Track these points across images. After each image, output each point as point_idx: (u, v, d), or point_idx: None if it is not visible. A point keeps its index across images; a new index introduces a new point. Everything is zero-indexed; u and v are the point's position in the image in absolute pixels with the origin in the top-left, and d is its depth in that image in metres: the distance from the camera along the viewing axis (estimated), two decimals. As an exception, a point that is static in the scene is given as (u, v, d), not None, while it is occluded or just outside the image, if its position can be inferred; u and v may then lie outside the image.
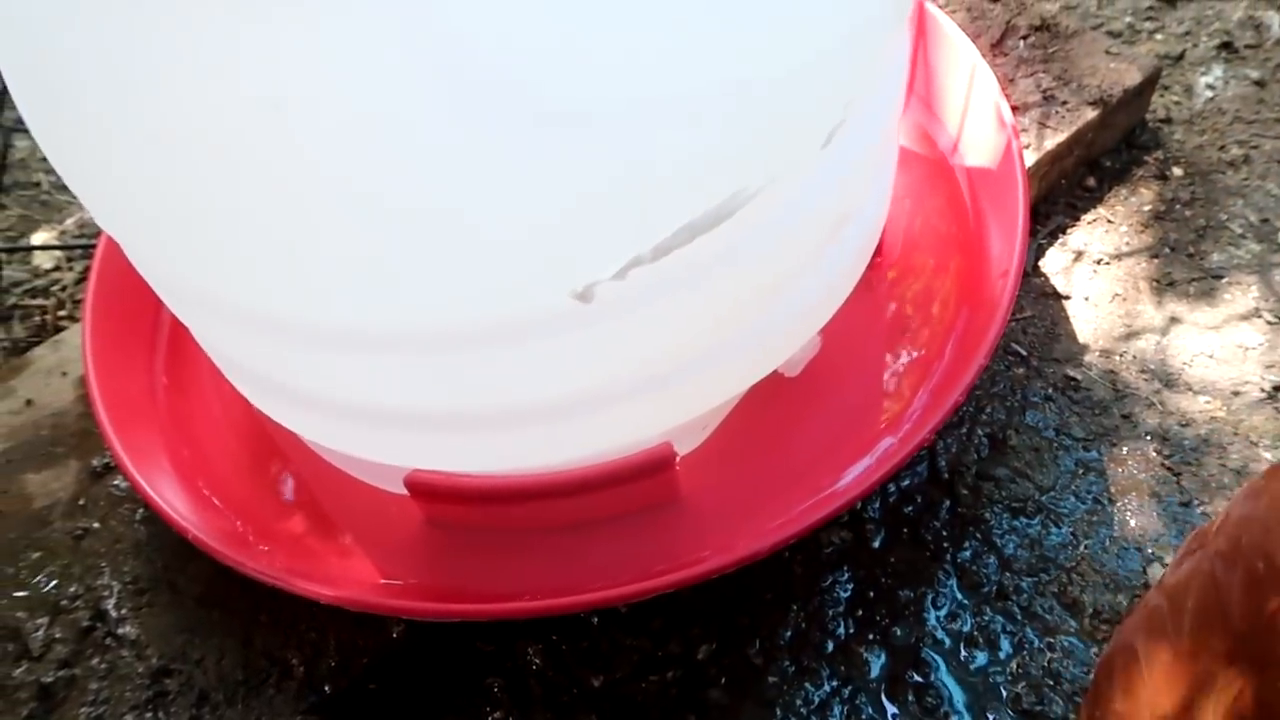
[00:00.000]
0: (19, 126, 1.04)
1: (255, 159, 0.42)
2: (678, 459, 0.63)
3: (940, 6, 0.95)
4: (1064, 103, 0.90)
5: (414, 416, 0.58)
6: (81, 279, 0.98)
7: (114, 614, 0.67)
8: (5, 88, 0.48)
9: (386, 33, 0.38)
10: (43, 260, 1.00)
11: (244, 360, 0.61)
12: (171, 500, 0.64)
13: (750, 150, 0.46)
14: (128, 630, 0.66)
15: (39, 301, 0.96)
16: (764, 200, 0.48)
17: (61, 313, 0.95)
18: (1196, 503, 0.73)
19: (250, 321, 0.53)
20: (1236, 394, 0.78)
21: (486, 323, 0.49)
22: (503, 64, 0.39)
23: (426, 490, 0.63)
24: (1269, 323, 0.82)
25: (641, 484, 0.63)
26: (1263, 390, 0.78)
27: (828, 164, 0.52)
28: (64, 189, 1.08)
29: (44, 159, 1.12)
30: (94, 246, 0.98)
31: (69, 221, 1.04)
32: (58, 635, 0.66)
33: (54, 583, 0.68)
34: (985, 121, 0.78)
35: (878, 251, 0.73)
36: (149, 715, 0.63)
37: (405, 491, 0.64)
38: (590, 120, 0.41)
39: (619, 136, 0.42)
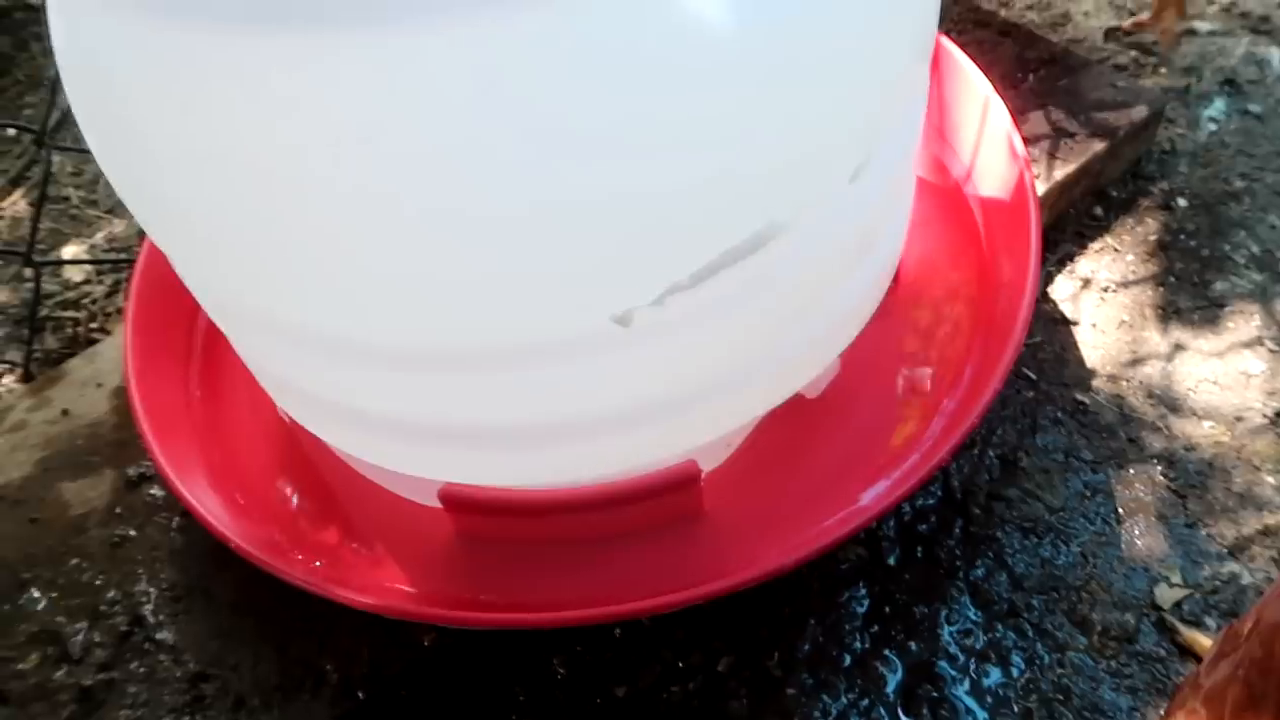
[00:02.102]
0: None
1: (309, 186, 0.44)
2: (702, 476, 0.66)
3: (954, 40, 0.98)
4: (1073, 134, 0.93)
5: (451, 433, 0.60)
6: (112, 292, 1.00)
7: (151, 619, 0.69)
8: (51, 102, 0.50)
9: (441, 73, 0.40)
10: (73, 273, 1.02)
11: (284, 374, 0.63)
12: (213, 510, 0.66)
13: (783, 185, 0.49)
14: (165, 635, 0.68)
15: (70, 314, 0.98)
16: (794, 231, 0.51)
17: (93, 325, 0.97)
18: (1201, 525, 0.75)
19: (294, 338, 0.56)
20: (1240, 419, 0.81)
21: (529, 345, 0.51)
22: (548, 105, 0.41)
23: (460, 503, 0.65)
24: (1271, 351, 0.85)
25: (667, 499, 0.65)
26: (1265, 416, 0.81)
27: (854, 196, 0.54)
28: (94, 203, 1.10)
29: (74, 173, 1.15)
30: (123, 261, 1.01)
31: (99, 236, 1.06)
32: (97, 639, 0.68)
33: (92, 589, 0.70)
34: (998, 152, 0.80)
35: (895, 278, 0.76)
36: (187, 719, 0.64)
37: (437, 504, 0.66)
38: (635, 157, 0.44)
39: (661, 172, 0.45)
